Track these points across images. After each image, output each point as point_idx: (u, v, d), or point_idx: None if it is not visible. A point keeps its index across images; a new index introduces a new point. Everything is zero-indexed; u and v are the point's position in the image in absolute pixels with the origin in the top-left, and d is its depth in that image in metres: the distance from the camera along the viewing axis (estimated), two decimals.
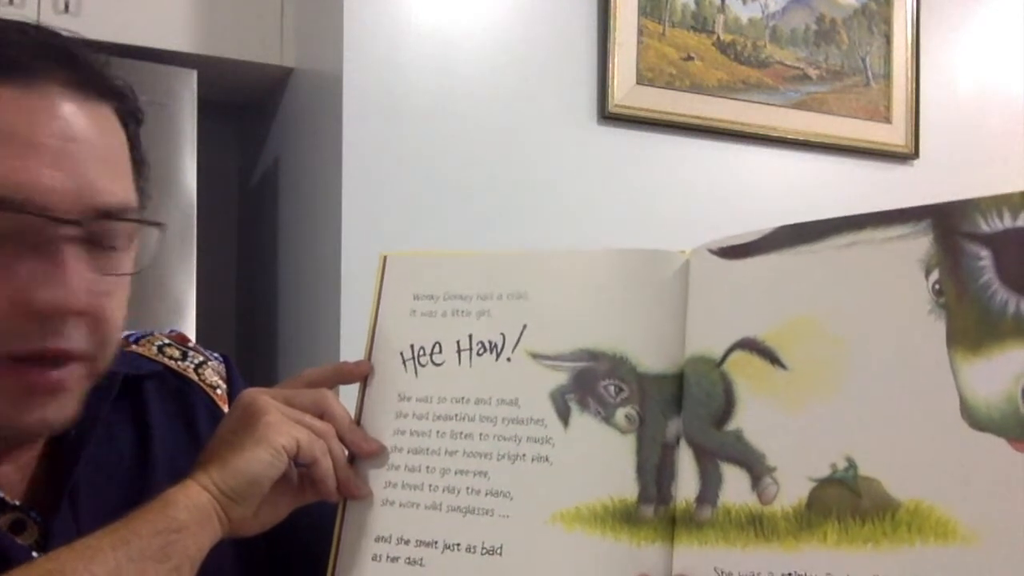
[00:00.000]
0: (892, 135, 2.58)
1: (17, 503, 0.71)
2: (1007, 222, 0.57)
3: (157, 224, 0.71)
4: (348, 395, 0.78)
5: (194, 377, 0.86)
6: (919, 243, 0.60)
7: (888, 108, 2.58)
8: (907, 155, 2.60)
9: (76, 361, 0.67)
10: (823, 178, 2.52)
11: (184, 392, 0.84)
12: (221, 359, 0.90)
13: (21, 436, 0.71)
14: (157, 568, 0.63)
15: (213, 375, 0.87)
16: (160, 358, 0.85)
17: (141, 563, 0.62)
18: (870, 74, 2.58)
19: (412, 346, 0.77)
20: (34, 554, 0.68)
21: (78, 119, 0.66)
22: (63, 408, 0.68)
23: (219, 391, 0.86)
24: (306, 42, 2.33)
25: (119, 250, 0.69)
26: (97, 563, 0.61)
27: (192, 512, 0.66)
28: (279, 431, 0.69)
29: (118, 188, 0.68)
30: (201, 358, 0.88)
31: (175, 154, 2.11)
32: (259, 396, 0.72)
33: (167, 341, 0.87)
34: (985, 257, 0.58)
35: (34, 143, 0.63)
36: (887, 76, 2.59)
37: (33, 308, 0.64)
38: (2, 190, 0.62)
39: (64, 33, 0.71)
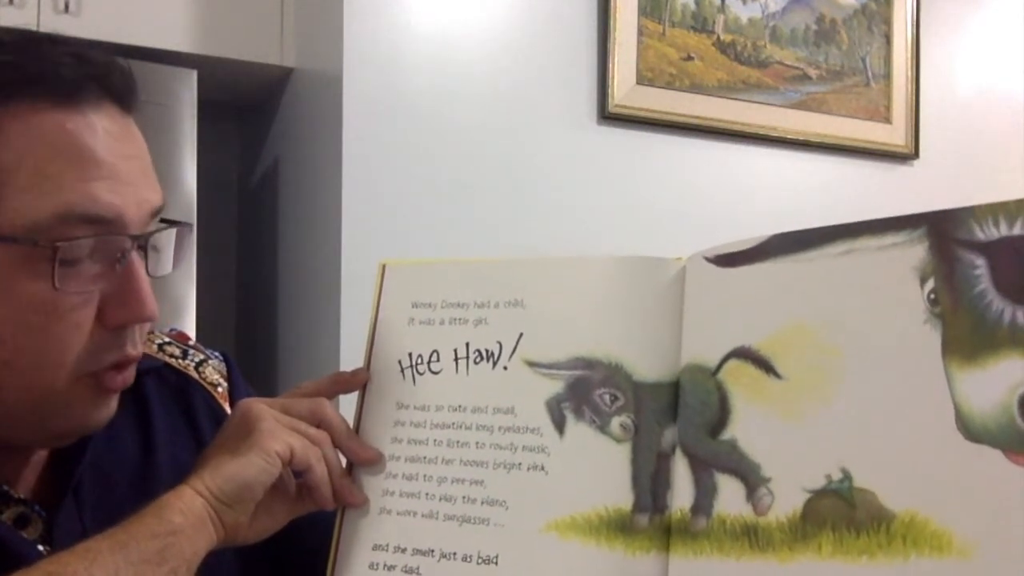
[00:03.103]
0: (892, 135, 2.58)
1: (21, 497, 0.71)
2: (1003, 230, 0.57)
3: (188, 225, 0.75)
4: (349, 406, 0.78)
5: (195, 375, 0.86)
6: (914, 251, 0.60)
7: (888, 108, 2.58)
8: (907, 155, 2.60)
9: (134, 362, 0.71)
10: (823, 178, 2.51)
11: (184, 389, 0.85)
12: (221, 358, 0.90)
13: (64, 438, 0.72)
14: (155, 571, 0.64)
15: (214, 373, 0.88)
16: (160, 356, 0.85)
17: (139, 566, 0.63)
18: (870, 74, 2.58)
19: (410, 354, 0.77)
20: (40, 547, 0.69)
21: (124, 133, 0.69)
22: (112, 405, 0.72)
23: (220, 389, 0.87)
24: (306, 42, 2.32)
25: (160, 251, 0.72)
26: (97, 566, 0.62)
27: (187, 516, 0.66)
28: (273, 437, 0.69)
29: (157, 194, 0.71)
30: (201, 356, 0.88)
31: (175, 154, 2.11)
32: (255, 404, 0.72)
33: (167, 340, 0.88)
34: (981, 265, 0.57)
35: (99, 162, 0.66)
36: (887, 76, 2.59)
37: (117, 324, 0.68)
38: (95, 209, 0.65)
39: (75, 36, 0.72)
